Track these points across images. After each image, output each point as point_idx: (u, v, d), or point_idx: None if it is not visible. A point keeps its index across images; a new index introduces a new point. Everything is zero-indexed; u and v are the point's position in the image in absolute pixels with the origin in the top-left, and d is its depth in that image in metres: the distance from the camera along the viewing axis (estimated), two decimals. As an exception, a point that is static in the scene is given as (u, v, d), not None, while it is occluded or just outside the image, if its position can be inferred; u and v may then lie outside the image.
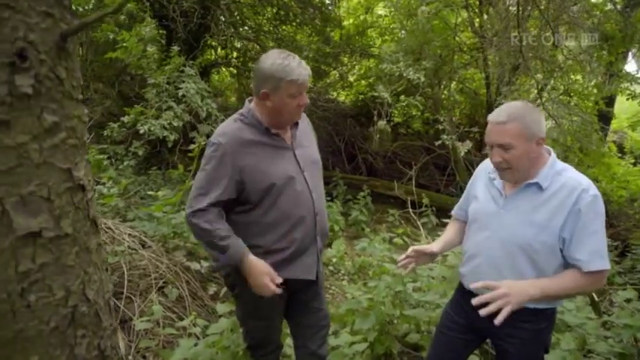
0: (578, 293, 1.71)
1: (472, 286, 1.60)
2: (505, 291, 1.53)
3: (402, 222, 5.85)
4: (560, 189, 1.63)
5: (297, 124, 2.00)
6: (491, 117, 1.68)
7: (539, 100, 6.52)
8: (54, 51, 0.89)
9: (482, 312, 1.51)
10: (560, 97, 5.95)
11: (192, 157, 3.98)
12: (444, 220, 4.73)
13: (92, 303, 0.98)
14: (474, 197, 1.93)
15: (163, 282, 3.15)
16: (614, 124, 9.30)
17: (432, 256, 1.96)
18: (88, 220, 1.00)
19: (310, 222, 1.94)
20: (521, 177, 1.70)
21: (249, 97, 1.98)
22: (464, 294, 1.92)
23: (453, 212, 2.11)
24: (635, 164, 8.06)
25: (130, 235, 3.53)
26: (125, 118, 4.50)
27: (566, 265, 1.67)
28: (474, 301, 1.56)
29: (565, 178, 1.64)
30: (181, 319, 3.00)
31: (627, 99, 5.99)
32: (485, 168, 1.91)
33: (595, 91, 6.94)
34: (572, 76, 6.32)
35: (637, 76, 5.89)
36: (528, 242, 1.64)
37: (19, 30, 0.86)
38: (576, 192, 1.59)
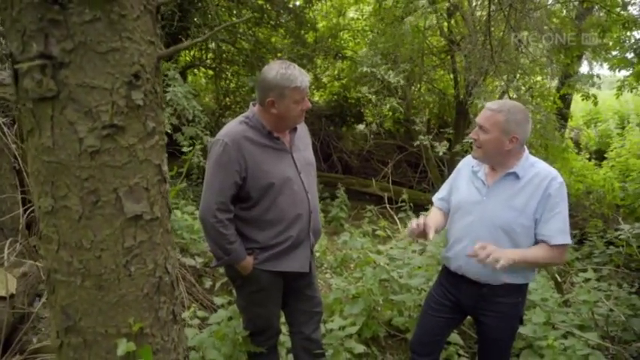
0: (546, 263, 2.00)
1: (469, 254, 1.84)
2: (491, 248, 1.78)
3: (380, 217, 6.12)
4: (533, 177, 1.91)
5: (295, 128, 2.15)
6: (488, 103, 1.97)
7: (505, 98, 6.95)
8: (153, 71, 1.11)
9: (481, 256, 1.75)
10: (523, 97, 6.37)
11: (184, 160, 4.10)
12: (421, 215, 5.04)
13: (170, 275, 1.21)
14: (456, 189, 2.16)
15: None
16: (570, 122, 9.91)
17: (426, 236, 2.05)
18: (167, 207, 1.22)
19: (305, 220, 2.11)
20: (488, 160, 1.98)
21: (253, 101, 2.12)
22: (449, 276, 2.14)
23: (435, 203, 2.30)
24: (590, 159, 8.63)
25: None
26: None
27: (536, 242, 1.93)
28: (470, 251, 1.83)
29: (538, 169, 1.93)
30: (180, 312, 3.14)
31: (582, 99, 6.47)
32: (468, 162, 2.15)
33: (554, 91, 7.46)
34: (532, 78, 6.77)
35: (587, 76, 6.40)
36: (510, 224, 1.90)
37: (135, 56, 1.09)
38: (547, 180, 1.88)
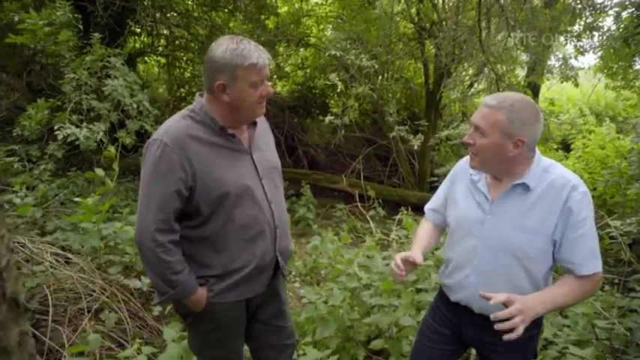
0: (578, 301, 1.63)
1: (492, 301, 1.43)
2: (520, 307, 1.39)
3: (351, 216, 5.73)
4: (548, 188, 1.52)
5: (254, 123, 1.76)
6: (485, 98, 1.56)
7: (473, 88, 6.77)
8: None
9: (498, 326, 1.37)
10: (493, 86, 6.15)
11: (111, 158, 3.51)
12: (399, 216, 4.72)
13: None
14: (453, 202, 1.77)
15: (98, 305, 2.72)
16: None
17: (415, 266, 1.78)
18: (4, 303, 0.59)
19: (270, 237, 1.72)
20: (488, 169, 1.61)
21: (200, 92, 1.71)
22: (448, 304, 1.79)
23: (427, 215, 1.95)
24: (557, 149, 8.60)
25: (50, 251, 3.02)
26: (32, 112, 3.93)
27: (555, 261, 1.58)
28: (493, 316, 1.40)
29: (553, 176, 1.53)
30: (121, 347, 2.62)
31: (562, 82, 6.37)
32: (465, 169, 1.74)
33: (522, 82, 7.34)
34: (502, 67, 6.57)
35: (564, 60, 6.31)
36: (522, 249, 1.53)
37: None
38: (566, 190, 1.50)
